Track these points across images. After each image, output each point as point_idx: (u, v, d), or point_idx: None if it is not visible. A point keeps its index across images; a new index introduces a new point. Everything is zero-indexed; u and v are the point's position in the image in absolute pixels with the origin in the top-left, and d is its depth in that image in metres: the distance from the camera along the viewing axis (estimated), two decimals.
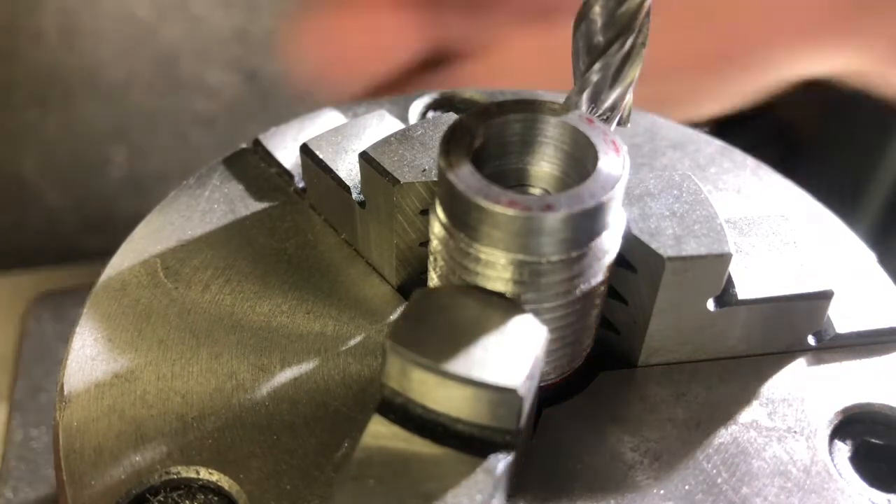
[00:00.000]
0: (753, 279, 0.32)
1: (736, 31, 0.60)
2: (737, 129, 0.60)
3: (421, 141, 0.34)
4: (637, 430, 0.32)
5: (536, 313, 0.28)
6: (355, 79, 0.61)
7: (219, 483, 0.30)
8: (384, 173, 0.33)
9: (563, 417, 0.32)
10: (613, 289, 0.32)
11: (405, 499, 0.25)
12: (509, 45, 0.59)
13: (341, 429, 0.31)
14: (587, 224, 0.28)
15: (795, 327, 0.33)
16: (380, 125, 0.38)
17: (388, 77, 0.61)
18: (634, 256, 0.31)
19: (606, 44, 0.29)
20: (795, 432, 0.32)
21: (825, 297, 0.33)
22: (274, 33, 0.84)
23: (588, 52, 0.30)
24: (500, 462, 0.27)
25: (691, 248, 0.30)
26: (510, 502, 0.29)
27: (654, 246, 0.30)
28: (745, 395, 0.33)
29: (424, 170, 0.33)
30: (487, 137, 0.29)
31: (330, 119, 0.41)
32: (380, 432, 0.27)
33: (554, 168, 0.30)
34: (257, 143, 0.41)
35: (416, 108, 0.44)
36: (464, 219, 0.28)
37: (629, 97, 0.31)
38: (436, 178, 0.32)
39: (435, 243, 0.30)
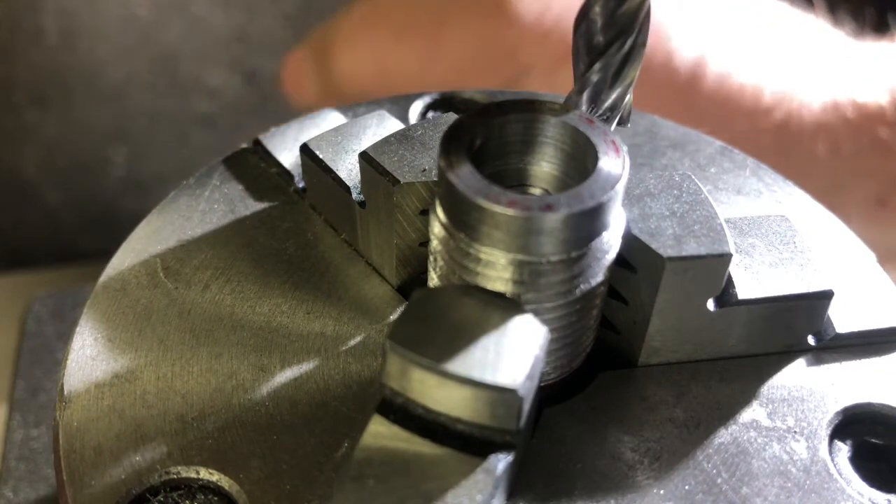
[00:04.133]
0: (753, 279, 0.32)
1: None
2: None
3: (421, 141, 0.34)
4: (637, 430, 0.32)
5: (536, 313, 0.28)
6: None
7: (219, 483, 0.30)
8: (384, 173, 0.33)
9: (563, 417, 0.32)
10: (613, 289, 0.32)
11: (405, 499, 0.25)
12: None
13: (341, 429, 0.31)
14: (587, 224, 0.28)
15: (795, 327, 0.33)
16: (380, 125, 0.38)
17: None
18: (634, 256, 0.31)
19: (606, 44, 0.29)
20: (795, 432, 0.32)
21: (825, 297, 0.33)
22: (274, 33, 0.85)
23: (588, 52, 0.30)
24: (500, 462, 0.27)
25: (691, 248, 0.30)
26: (510, 502, 0.29)
27: (654, 246, 0.30)
28: (745, 395, 0.33)
29: (424, 170, 0.33)
30: (487, 137, 0.29)
31: (330, 119, 0.41)
32: (380, 432, 0.27)
33: (554, 168, 0.30)
34: (257, 143, 0.41)
35: (416, 108, 0.44)
36: (464, 219, 0.28)
37: (629, 97, 0.31)
38: (436, 178, 0.32)
39: (435, 243, 0.30)
